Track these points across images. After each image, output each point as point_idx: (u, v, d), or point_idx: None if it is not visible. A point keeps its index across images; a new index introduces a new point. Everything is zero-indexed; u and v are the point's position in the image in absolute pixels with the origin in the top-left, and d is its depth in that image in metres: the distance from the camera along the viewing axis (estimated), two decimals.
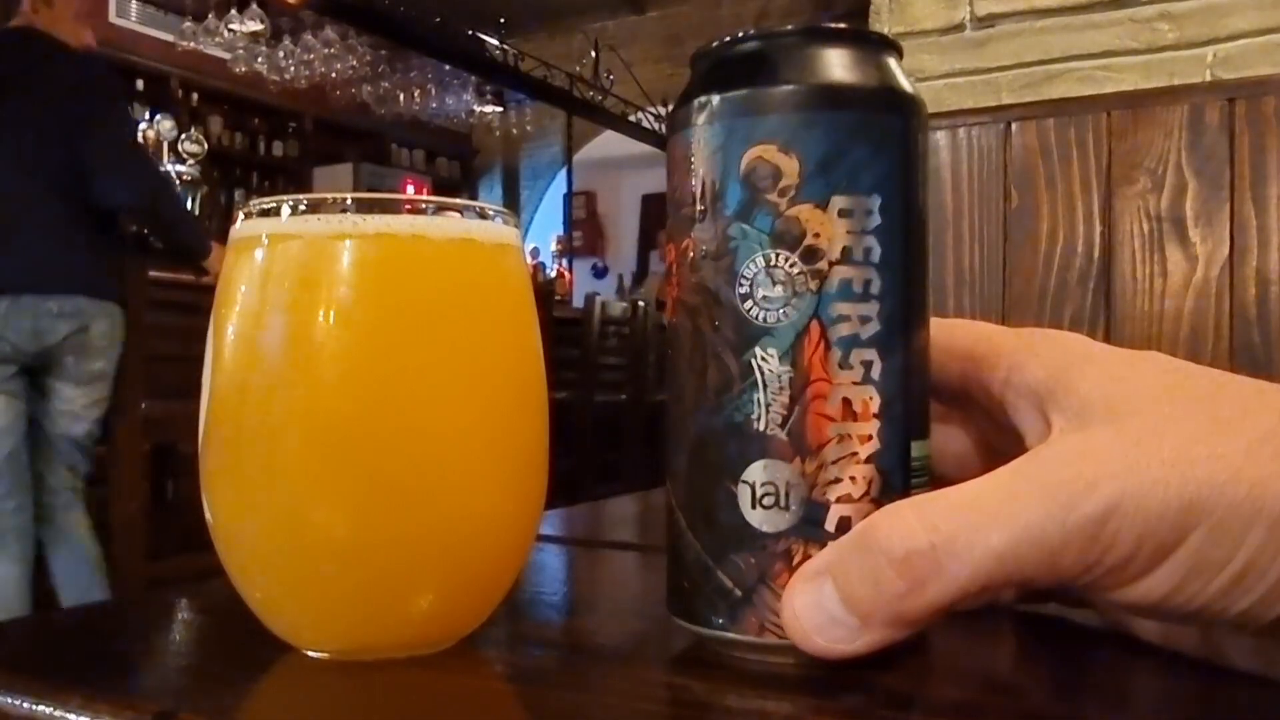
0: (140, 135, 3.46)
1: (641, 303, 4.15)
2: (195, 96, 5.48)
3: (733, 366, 0.30)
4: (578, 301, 5.08)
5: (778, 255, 0.30)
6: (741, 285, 0.30)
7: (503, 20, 5.47)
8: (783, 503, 0.30)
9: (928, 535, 0.27)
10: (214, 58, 5.06)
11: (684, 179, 0.32)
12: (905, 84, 0.31)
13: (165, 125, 4.18)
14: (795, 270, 0.30)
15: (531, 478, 0.34)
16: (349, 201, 0.31)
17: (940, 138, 1.13)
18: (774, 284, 0.30)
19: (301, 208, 0.32)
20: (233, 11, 4.76)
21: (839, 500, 0.30)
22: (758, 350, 0.30)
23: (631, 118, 6.29)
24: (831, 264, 0.30)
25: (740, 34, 0.31)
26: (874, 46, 0.31)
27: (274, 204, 0.32)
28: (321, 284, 0.31)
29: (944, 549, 0.27)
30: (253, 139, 5.96)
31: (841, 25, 0.31)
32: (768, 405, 0.30)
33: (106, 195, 2.17)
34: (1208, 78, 1.25)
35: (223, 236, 0.56)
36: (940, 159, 1.12)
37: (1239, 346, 1.02)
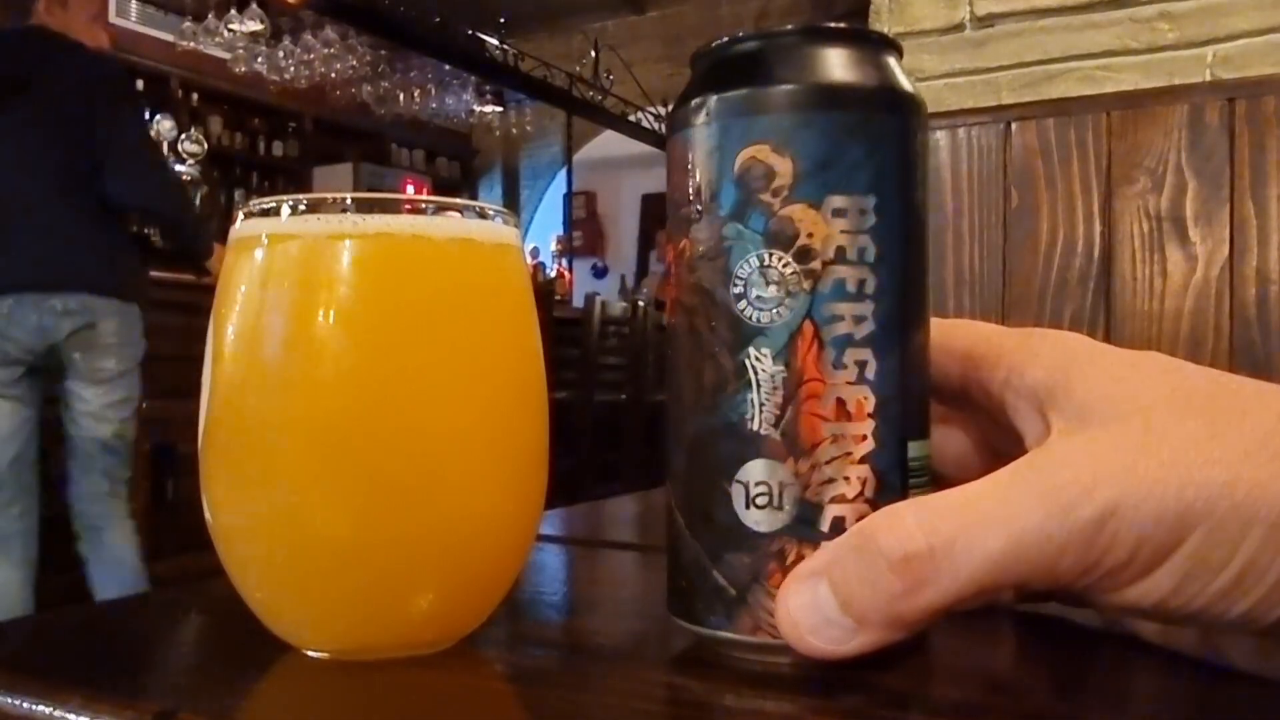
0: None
1: (642, 302, 4.16)
2: (195, 96, 5.47)
3: (728, 366, 0.30)
4: (578, 301, 5.08)
5: (771, 255, 0.30)
6: (736, 285, 0.30)
7: (503, 20, 5.47)
8: (777, 503, 0.30)
9: (926, 537, 0.27)
10: (214, 58, 5.06)
11: (682, 179, 0.32)
12: (903, 83, 0.31)
13: (165, 125, 4.18)
14: (789, 270, 0.30)
15: (531, 478, 0.34)
16: (349, 201, 0.31)
17: (940, 138, 1.13)
18: (768, 284, 0.30)
19: (301, 208, 0.32)
20: (233, 11, 4.76)
21: (833, 500, 0.30)
22: (752, 350, 0.30)
23: (631, 118, 6.29)
24: (825, 264, 0.30)
25: (738, 34, 0.31)
26: (871, 46, 0.31)
27: (274, 204, 0.32)
28: (321, 284, 0.31)
29: (942, 551, 0.27)
30: (253, 139, 5.96)
31: (838, 25, 0.31)
32: (762, 405, 0.30)
33: (119, 195, 2.16)
34: (1208, 77, 1.25)
35: (223, 236, 0.56)
36: (940, 159, 1.12)
37: (1239, 346, 1.02)
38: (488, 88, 6.26)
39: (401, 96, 6.03)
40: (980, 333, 0.34)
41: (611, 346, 4.03)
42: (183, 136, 4.60)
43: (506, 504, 0.33)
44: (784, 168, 0.30)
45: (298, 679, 0.32)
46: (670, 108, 0.33)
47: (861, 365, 0.30)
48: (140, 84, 5.07)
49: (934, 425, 0.33)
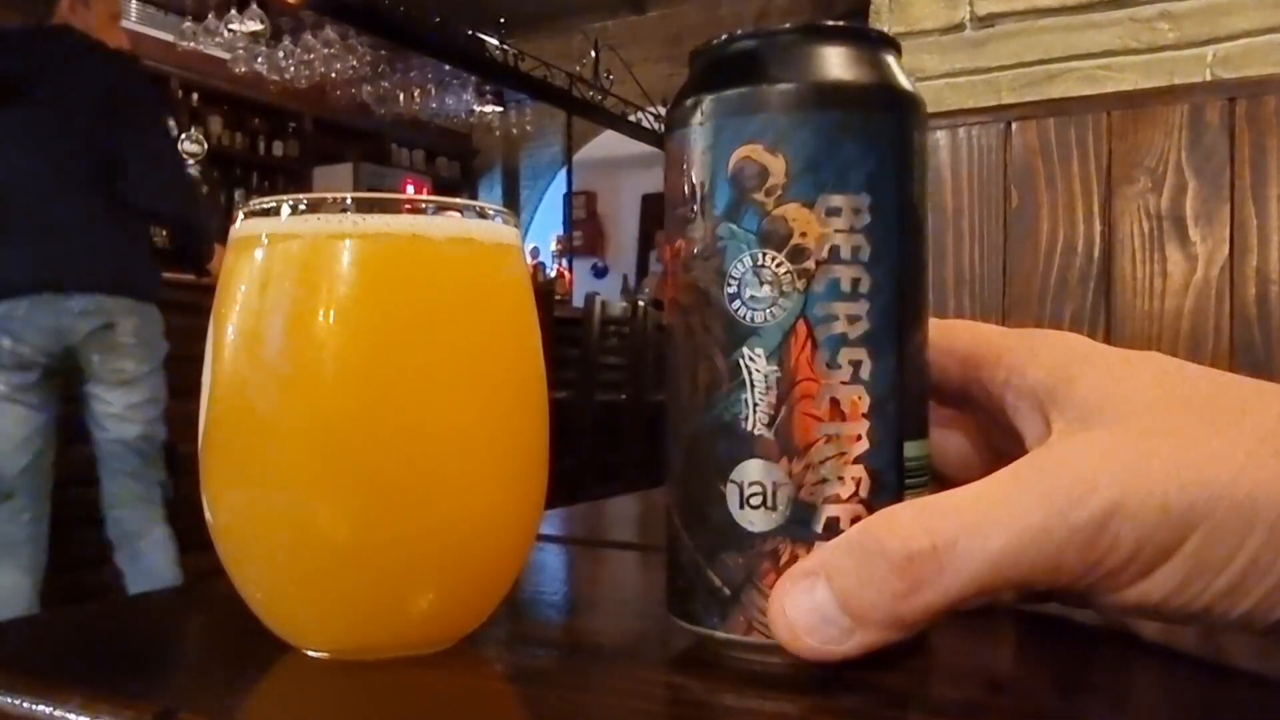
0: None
1: (641, 302, 4.16)
2: (195, 96, 5.48)
3: (722, 366, 0.30)
4: (578, 301, 5.08)
5: (765, 255, 0.30)
6: (730, 285, 0.30)
7: (503, 20, 5.47)
8: (770, 503, 0.30)
9: (929, 537, 0.27)
10: (214, 58, 5.06)
11: (677, 179, 0.32)
12: (900, 81, 0.31)
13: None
14: (782, 270, 0.30)
15: (531, 478, 0.34)
16: (349, 201, 0.31)
17: (940, 137, 1.13)
18: (761, 284, 0.30)
19: (301, 207, 0.32)
20: (233, 11, 4.76)
21: (827, 501, 0.30)
22: (745, 350, 0.30)
23: (631, 118, 6.29)
24: (819, 263, 0.30)
25: (734, 33, 0.31)
26: (867, 45, 0.31)
27: (274, 204, 0.32)
28: (321, 284, 0.31)
29: (945, 551, 0.27)
30: (253, 139, 5.96)
31: (833, 23, 0.31)
32: (755, 405, 0.30)
33: (140, 198, 2.14)
34: (1208, 77, 1.25)
35: (223, 237, 0.56)
36: (940, 159, 1.12)
37: (1239, 346, 1.02)
38: (488, 88, 6.26)
39: (401, 96, 6.03)
40: (980, 333, 0.34)
41: (611, 346, 4.03)
42: (183, 136, 4.61)
43: (506, 504, 0.33)
44: (777, 167, 0.30)
45: (298, 679, 0.32)
46: (668, 107, 0.34)
47: (856, 365, 0.30)
48: None
49: (934, 426, 0.33)
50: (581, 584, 0.50)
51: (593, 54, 6.00)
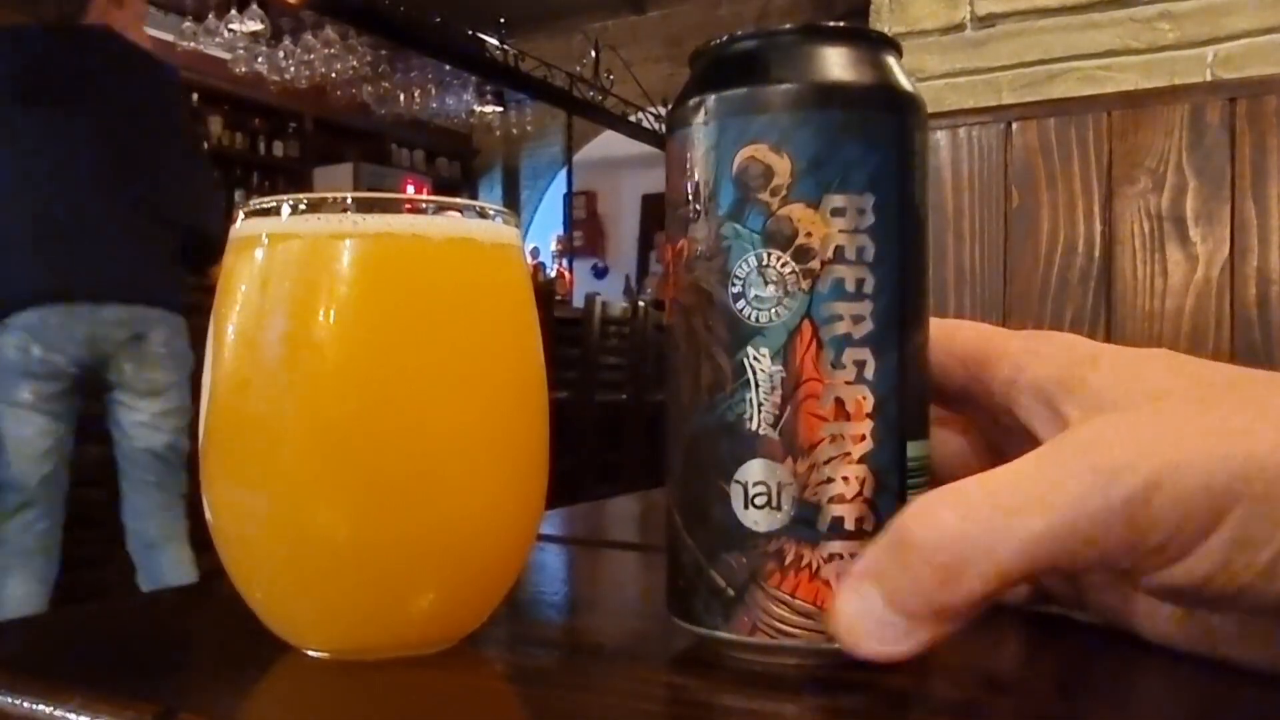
0: None
1: (642, 302, 4.16)
2: (195, 96, 5.47)
3: (726, 366, 0.30)
4: (578, 301, 5.08)
5: (769, 255, 0.30)
6: (734, 285, 0.30)
7: (503, 20, 5.47)
8: (775, 503, 0.30)
9: (961, 524, 0.26)
10: (214, 58, 5.06)
11: (680, 179, 0.32)
12: (901, 82, 0.31)
13: None
14: (787, 270, 0.30)
15: (531, 478, 0.34)
16: (349, 201, 0.31)
17: (940, 137, 1.13)
18: (766, 283, 0.30)
19: (301, 207, 0.32)
20: (233, 11, 4.76)
21: (832, 500, 0.30)
22: (750, 350, 0.30)
23: (631, 118, 6.29)
24: (824, 263, 0.30)
25: (736, 34, 0.31)
26: (868, 45, 0.31)
27: (274, 203, 0.32)
28: (321, 284, 0.31)
29: (978, 537, 0.26)
30: (253, 139, 5.96)
31: (835, 24, 0.31)
32: (760, 405, 0.30)
33: (175, 210, 2.10)
34: (1208, 77, 1.25)
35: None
36: (940, 159, 1.12)
37: (1239, 346, 1.02)
38: (488, 88, 6.27)
39: (401, 96, 6.03)
40: (983, 332, 0.34)
41: (611, 346, 4.03)
42: None
43: (506, 504, 0.33)
44: (782, 167, 0.30)
45: (298, 679, 0.32)
46: (670, 107, 0.33)
47: (860, 365, 0.30)
48: None
49: (934, 427, 0.33)
50: (581, 584, 0.50)
51: (593, 54, 6.00)
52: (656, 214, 7.03)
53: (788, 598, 0.30)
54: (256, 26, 4.75)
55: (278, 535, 0.31)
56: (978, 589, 0.27)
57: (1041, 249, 1.09)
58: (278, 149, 6.07)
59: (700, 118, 0.31)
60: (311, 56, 5.22)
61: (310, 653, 0.32)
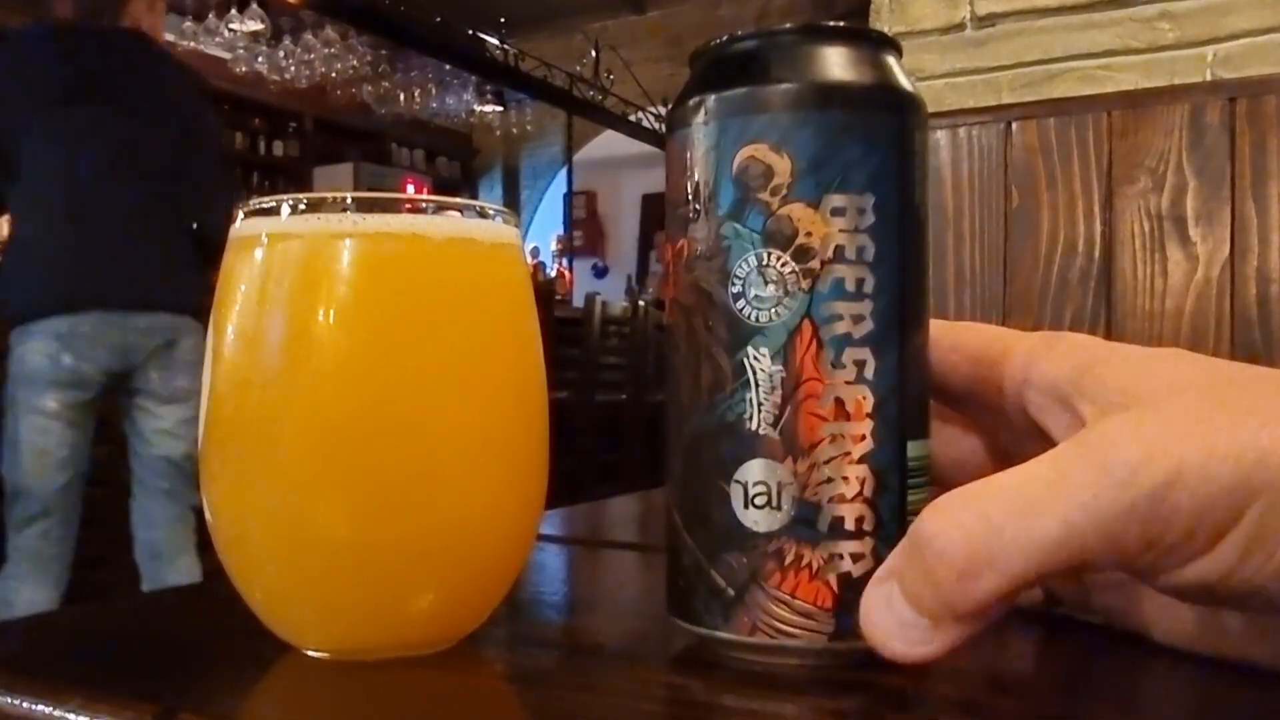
0: None
1: (643, 302, 4.15)
2: None
3: (726, 366, 0.30)
4: (578, 301, 5.08)
5: (769, 254, 0.30)
6: (734, 285, 0.30)
7: (503, 20, 5.47)
8: (775, 503, 0.30)
9: (977, 525, 0.26)
10: (214, 57, 5.06)
11: (680, 178, 0.32)
12: (901, 82, 0.31)
13: None
14: (787, 269, 0.30)
15: (531, 478, 0.34)
16: (349, 201, 0.31)
17: (940, 137, 1.13)
18: (766, 283, 0.30)
19: (301, 207, 0.32)
20: (233, 11, 4.76)
21: (832, 500, 0.30)
22: (750, 349, 0.30)
23: (631, 118, 6.29)
24: (824, 263, 0.30)
25: (736, 33, 0.31)
26: (868, 45, 0.31)
27: (274, 203, 0.32)
28: (321, 283, 0.31)
29: (996, 537, 0.26)
30: (253, 139, 5.96)
31: (835, 24, 0.31)
32: (760, 405, 0.30)
33: (203, 219, 2.07)
34: (1208, 77, 1.25)
35: None
36: (940, 159, 1.12)
37: (1240, 346, 1.02)
38: (488, 88, 6.27)
39: (401, 96, 6.03)
40: (990, 333, 0.34)
41: (611, 346, 4.03)
42: None
43: (506, 504, 0.33)
44: (782, 167, 0.30)
45: (298, 679, 0.32)
46: (670, 107, 0.33)
47: (860, 365, 0.30)
48: None
49: (940, 428, 0.33)
50: (581, 584, 0.50)
51: (593, 54, 6.00)
52: (656, 214, 7.04)
53: (788, 598, 0.30)
54: (256, 26, 4.75)
55: (278, 535, 0.31)
56: (995, 589, 0.27)
57: (1041, 249, 1.09)
58: (278, 149, 6.07)
59: (700, 118, 0.31)
60: (311, 56, 5.22)
61: (310, 653, 0.32)
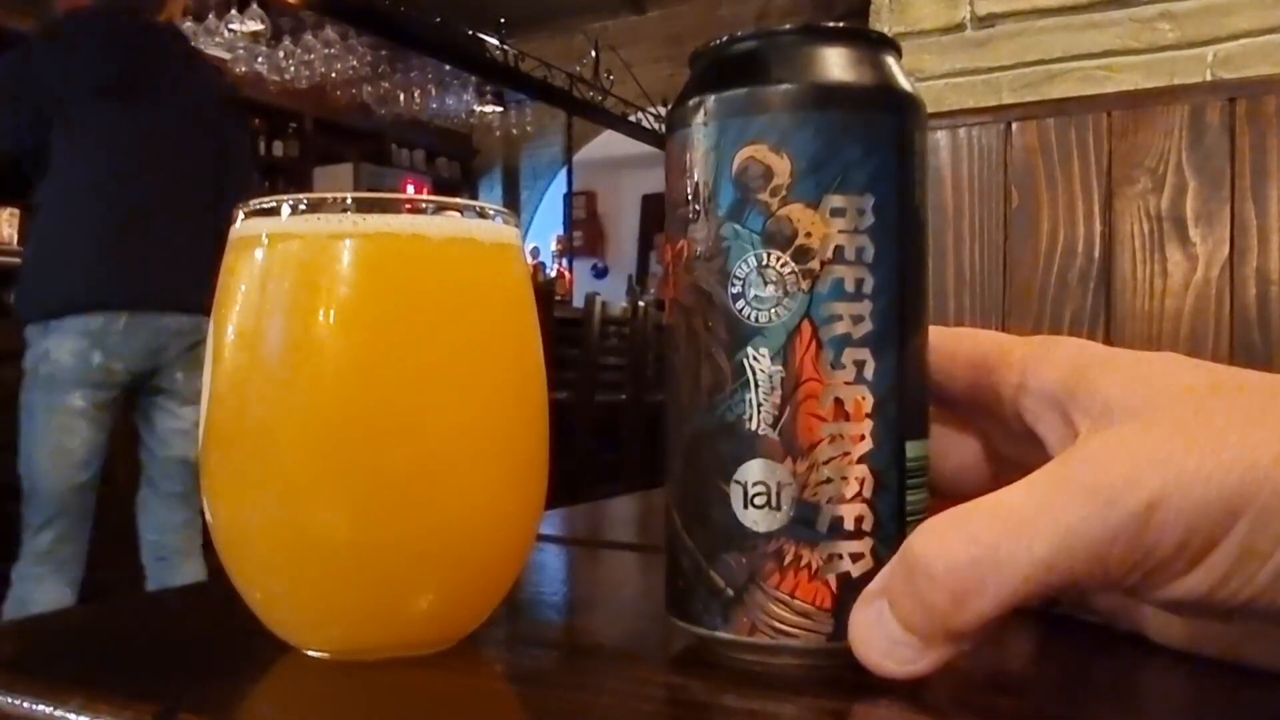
0: None
1: (643, 303, 4.15)
2: None
3: (725, 366, 0.30)
4: (578, 301, 5.08)
5: (769, 255, 0.30)
6: (734, 285, 0.30)
7: (503, 20, 5.47)
8: (774, 503, 0.30)
9: (967, 549, 0.27)
10: (214, 57, 5.05)
11: (680, 179, 0.32)
12: (901, 82, 0.31)
13: None
14: (787, 270, 0.30)
15: (531, 478, 0.34)
16: (349, 201, 0.31)
17: (940, 138, 1.13)
18: (765, 284, 0.30)
19: (301, 207, 0.32)
20: (233, 11, 4.75)
21: (831, 501, 0.30)
22: (750, 350, 0.30)
23: (631, 118, 6.29)
24: (823, 263, 0.30)
25: (735, 34, 0.31)
26: (868, 45, 0.31)
27: (274, 203, 0.32)
28: (321, 283, 0.31)
29: (986, 561, 0.27)
30: (253, 139, 5.95)
31: (835, 24, 0.31)
32: (760, 405, 0.30)
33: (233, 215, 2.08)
34: (1208, 77, 1.25)
35: None
36: (940, 159, 1.12)
37: (1239, 346, 1.02)
38: (488, 88, 6.26)
39: (401, 96, 6.03)
40: (989, 339, 0.34)
41: (611, 346, 4.02)
42: None
43: (506, 504, 0.33)
44: (781, 167, 0.30)
45: (298, 679, 0.32)
46: (670, 107, 0.34)
47: (860, 365, 0.30)
48: None
49: (941, 433, 0.33)
50: (581, 584, 0.50)
51: (593, 54, 6.00)
52: (656, 214, 7.03)
53: (787, 598, 0.30)
54: (256, 26, 4.74)
55: (278, 535, 0.31)
56: (986, 611, 0.27)
57: (1041, 249, 1.09)
58: (278, 149, 6.06)
59: (700, 118, 0.31)
60: (311, 56, 5.22)
61: (310, 653, 0.32)
